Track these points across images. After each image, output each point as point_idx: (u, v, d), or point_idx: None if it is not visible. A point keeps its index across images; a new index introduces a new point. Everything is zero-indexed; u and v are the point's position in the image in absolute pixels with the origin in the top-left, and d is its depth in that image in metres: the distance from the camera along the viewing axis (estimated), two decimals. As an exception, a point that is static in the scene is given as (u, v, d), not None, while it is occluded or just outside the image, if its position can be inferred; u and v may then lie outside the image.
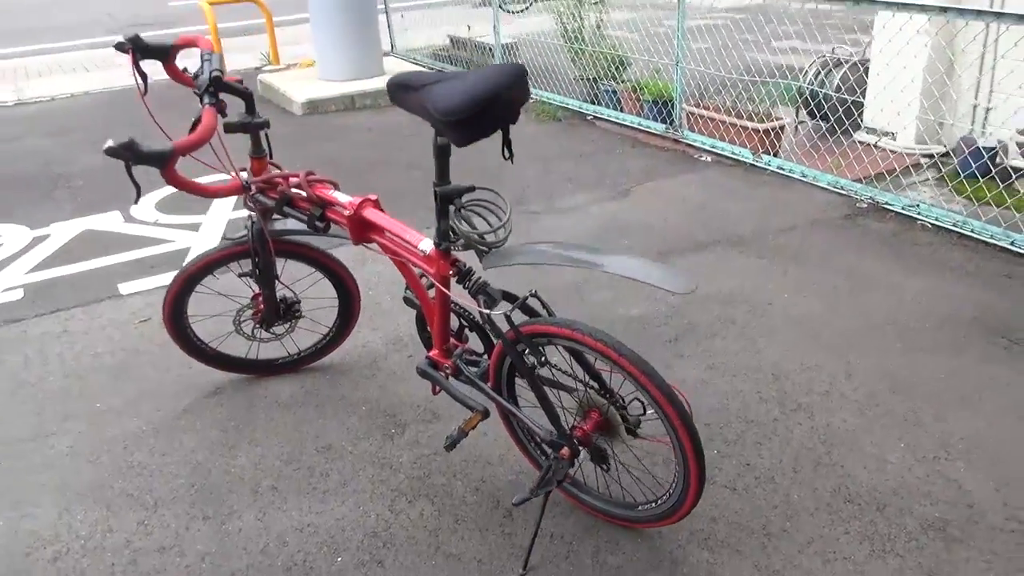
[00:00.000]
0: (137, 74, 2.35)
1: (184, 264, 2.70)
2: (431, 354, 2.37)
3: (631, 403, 2.06)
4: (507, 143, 1.98)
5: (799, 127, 5.45)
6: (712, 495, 2.31)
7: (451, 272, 2.12)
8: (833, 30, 6.54)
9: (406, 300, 2.46)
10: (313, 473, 2.50)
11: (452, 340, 2.37)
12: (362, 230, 2.28)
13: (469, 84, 1.84)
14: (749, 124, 4.96)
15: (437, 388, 2.39)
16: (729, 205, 4.36)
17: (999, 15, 3.64)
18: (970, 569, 2.04)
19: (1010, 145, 4.35)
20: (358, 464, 2.53)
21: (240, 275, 2.71)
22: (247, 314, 2.81)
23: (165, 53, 2.44)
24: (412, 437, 2.63)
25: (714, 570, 2.07)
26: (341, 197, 2.32)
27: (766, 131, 4.91)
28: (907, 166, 4.59)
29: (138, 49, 2.37)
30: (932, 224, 3.96)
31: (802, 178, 4.63)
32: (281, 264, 2.71)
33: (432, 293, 2.27)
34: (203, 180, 2.16)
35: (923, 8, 3.95)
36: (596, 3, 6.58)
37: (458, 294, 2.18)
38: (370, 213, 2.27)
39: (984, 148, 4.25)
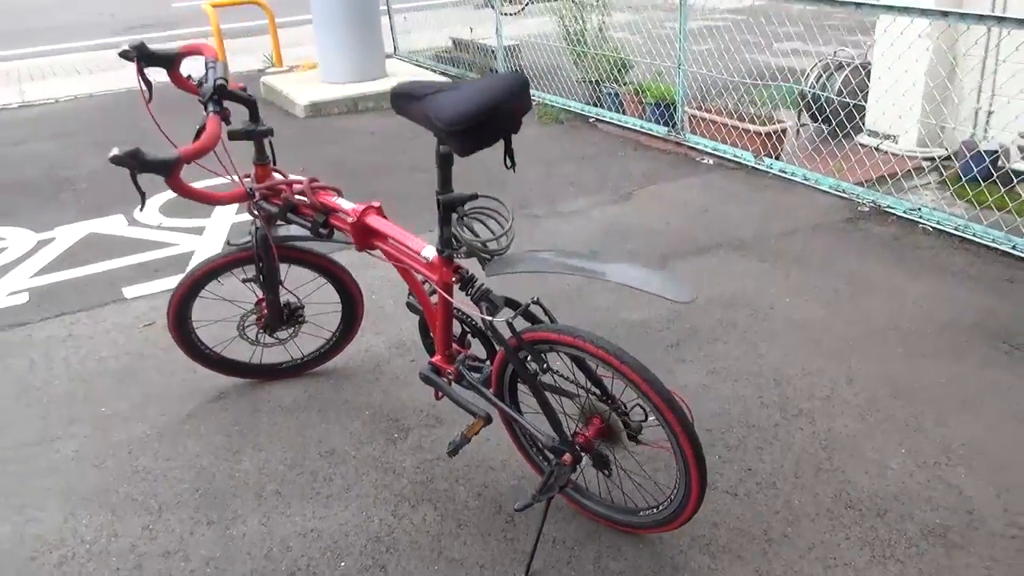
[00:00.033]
0: (142, 82, 2.36)
1: (188, 270, 2.72)
2: (434, 360, 2.39)
3: (633, 409, 2.08)
4: (509, 152, 2.00)
5: (801, 130, 5.46)
6: (713, 500, 2.32)
7: (454, 279, 2.14)
8: (835, 31, 6.55)
9: (409, 306, 2.48)
10: (316, 478, 2.51)
11: (455, 346, 2.38)
12: (365, 237, 2.30)
13: (471, 94, 1.86)
14: (751, 127, 4.97)
15: (440, 394, 2.40)
16: (731, 208, 4.37)
17: (1000, 19, 3.65)
18: (970, 575, 2.05)
19: (1012, 149, 4.36)
20: (361, 469, 2.54)
21: (244, 281, 2.72)
22: (251, 319, 2.83)
23: (170, 61, 2.45)
24: (415, 442, 2.65)
25: (715, 576, 2.09)
26: (344, 204, 2.34)
27: (768, 134, 4.92)
28: (909, 169, 4.60)
29: (143, 57, 2.38)
30: (934, 228, 3.97)
31: (804, 181, 4.64)
32: (285, 269, 2.73)
33: (435, 299, 2.29)
34: (200, 184, 2.16)
35: (924, 12, 3.95)
36: (597, 5, 6.58)
37: (460, 301, 2.19)
38: (373, 220, 2.28)
39: (986, 152, 4.26)
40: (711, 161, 5.12)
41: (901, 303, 3.33)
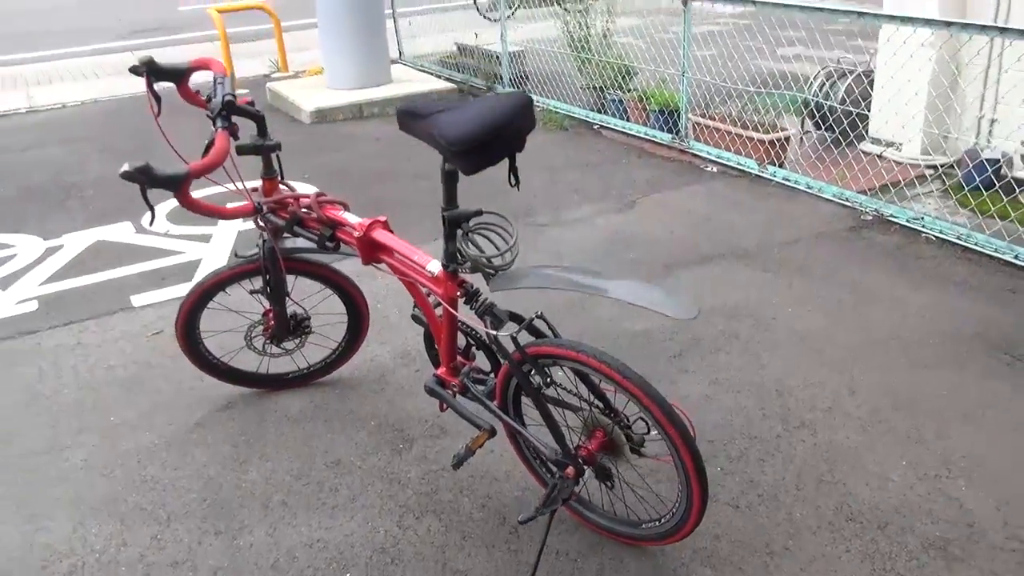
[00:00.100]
0: (151, 96, 2.39)
1: (197, 281, 2.75)
2: (438, 372, 2.42)
3: (635, 423, 2.10)
4: (513, 171, 2.02)
5: (804, 138, 5.47)
6: (715, 513, 2.34)
7: (458, 293, 2.17)
8: (838, 36, 6.56)
9: (414, 318, 2.51)
10: (322, 488, 2.54)
11: (459, 358, 2.41)
12: (371, 251, 2.33)
13: (476, 113, 1.89)
14: (755, 135, 4.99)
15: (445, 406, 2.43)
16: (734, 217, 4.39)
17: (1003, 30, 3.66)
18: (970, 588, 2.07)
19: (1015, 158, 4.38)
20: (367, 479, 2.57)
21: (252, 292, 2.76)
22: (258, 330, 2.86)
23: (179, 75, 2.48)
24: (420, 452, 2.68)
25: (717, 588, 2.11)
26: (351, 218, 2.37)
27: (771, 142, 4.94)
28: (912, 178, 4.61)
29: (152, 72, 2.41)
30: (936, 237, 3.98)
31: (807, 190, 4.66)
32: (291, 281, 2.76)
33: (440, 312, 2.31)
34: (200, 194, 2.19)
35: (927, 22, 3.97)
36: (602, 11, 6.60)
37: (465, 315, 2.22)
38: (379, 234, 2.31)
39: (988, 160, 4.27)
40: (715, 169, 5.14)
41: (903, 313, 3.35)
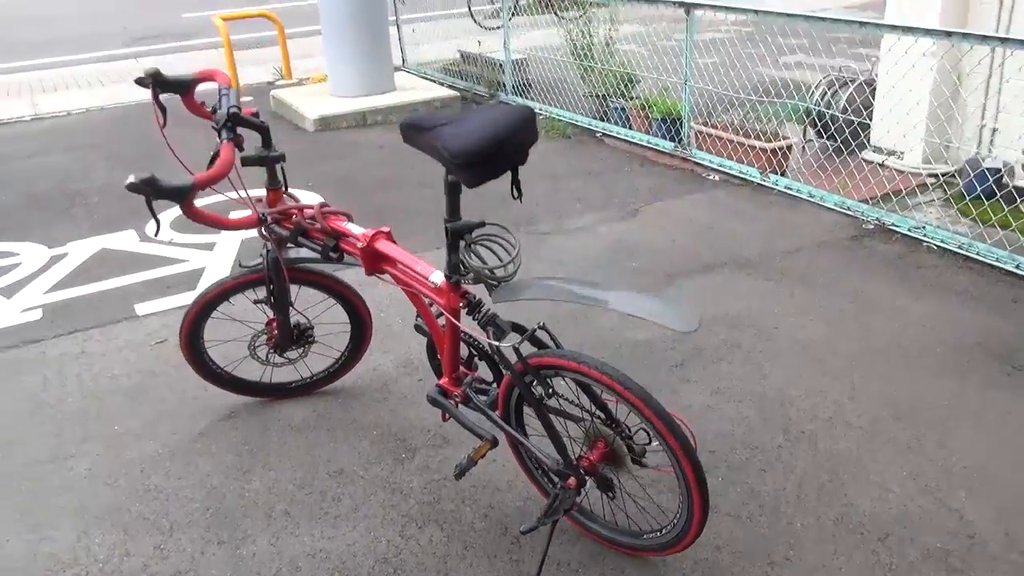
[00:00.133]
0: (157, 108, 2.41)
1: (201, 291, 2.76)
2: (441, 382, 2.43)
3: (636, 433, 2.11)
4: (516, 183, 2.04)
5: (806, 146, 5.49)
6: (716, 523, 2.35)
7: (461, 304, 2.18)
8: (840, 44, 6.58)
9: (417, 328, 2.52)
10: (325, 498, 2.55)
11: (462, 368, 2.42)
12: (375, 262, 2.34)
13: (479, 127, 1.90)
14: (757, 143, 5.00)
15: (447, 415, 2.44)
16: (736, 226, 4.40)
17: (1004, 40, 3.68)
18: (970, 600, 2.07)
19: (1016, 167, 4.38)
20: (369, 489, 2.58)
21: (255, 302, 2.77)
22: (262, 339, 2.87)
23: (184, 87, 2.50)
24: (422, 462, 2.69)
25: (718, 599, 2.11)
26: (355, 229, 2.39)
27: (774, 151, 4.95)
28: (913, 187, 4.62)
29: (158, 84, 2.43)
30: (938, 246, 3.99)
31: (809, 198, 4.67)
32: (295, 291, 2.77)
33: (442, 322, 2.33)
34: (201, 203, 2.21)
35: (928, 32, 3.99)
36: (605, 19, 6.63)
37: (468, 325, 2.23)
38: (383, 245, 2.33)
39: (989, 170, 4.28)
40: (717, 177, 5.15)
41: (904, 323, 3.36)
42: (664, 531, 2.15)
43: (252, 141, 2.41)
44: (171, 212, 4.84)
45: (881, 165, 4.89)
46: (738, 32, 8.84)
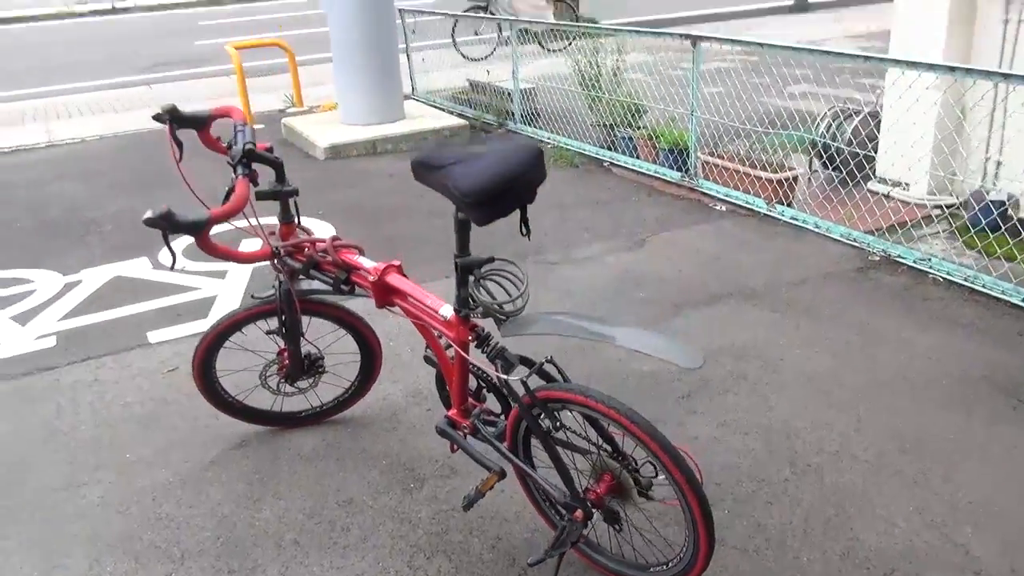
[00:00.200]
0: (173, 143, 2.47)
1: (214, 322, 2.81)
2: (450, 413, 2.46)
3: (643, 466, 2.13)
4: (525, 221, 2.08)
5: (812, 178, 5.53)
6: (723, 557, 2.36)
7: (470, 337, 2.22)
8: (845, 75, 6.65)
9: (426, 359, 2.55)
10: (334, 527, 2.57)
11: (470, 400, 2.45)
12: (385, 295, 2.38)
13: (489, 166, 1.95)
14: (763, 174, 5.04)
15: (455, 446, 2.47)
16: (743, 256, 4.43)
17: (1007, 76, 3.72)
18: (976, 636, 2.08)
19: (1021, 200, 4.41)
20: (378, 519, 2.60)
21: (267, 332, 2.81)
22: (273, 369, 2.91)
23: (200, 123, 2.56)
24: (431, 492, 2.71)
25: (724, 633, 2.12)
26: (366, 262, 2.43)
27: (780, 181, 4.99)
28: (919, 219, 4.65)
29: (175, 120, 2.49)
30: (944, 279, 4.01)
31: (815, 229, 4.70)
32: (306, 321, 2.81)
33: (451, 355, 2.36)
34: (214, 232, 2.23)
35: (931, 67, 4.04)
36: (612, 49, 6.71)
37: (476, 358, 2.27)
38: (393, 279, 2.37)
39: (994, 202, 4.31)
40: (724, 207, 5.19)
41: (910, 356, 3.38)
42: (671, 564, 2.16)
43: (265, 175, 2.47)
44: (184, 240, 4.90)
45: (886, 196, 4.93)
46: (744, 62, 8.92)
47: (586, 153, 6.48)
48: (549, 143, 6.84)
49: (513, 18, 8.78)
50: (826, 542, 2.41)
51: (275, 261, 2.57)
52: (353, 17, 7.00)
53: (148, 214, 1.98)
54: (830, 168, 5.32)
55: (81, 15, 20.06)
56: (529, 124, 7.27)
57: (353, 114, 7.32)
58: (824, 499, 2.59)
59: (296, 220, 2.63)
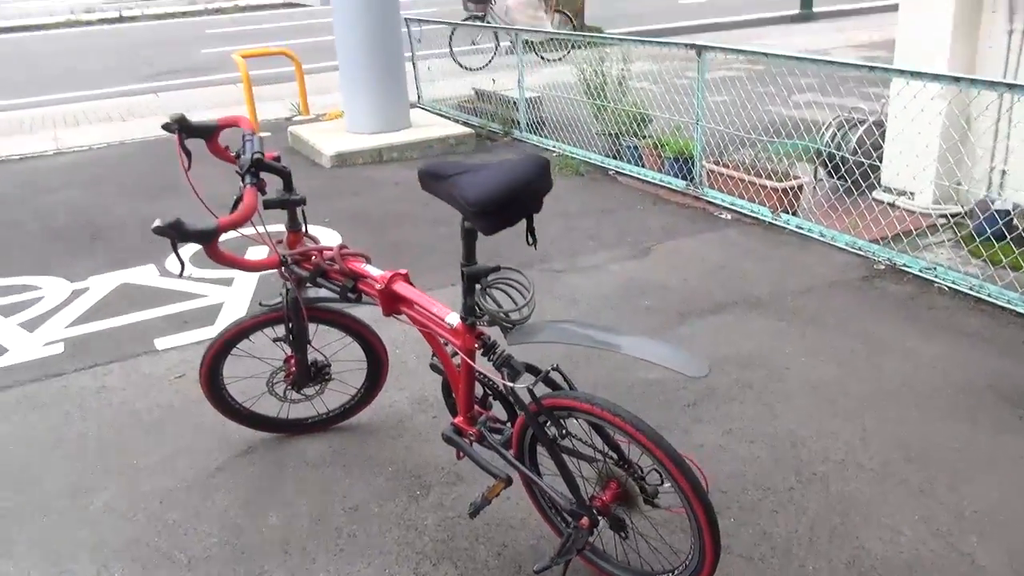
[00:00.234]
0: (182, 152, 2.49)
1: (221, 329, 2.82)
2: (456, 421, 2.47)
3: (649, 474, 2.14)
4: (531, 231, 2.10)
5: (817, 186, 5.53)
6: (728, 565, 2.37)
7: (476, 345, 2.23)
8: (849, 84, 6.66)
9: (433, 367, 2.57)
10: (341, 534, 2.58)
11: (476, 408, 2.46)
12: (392, 303, 2.40)
13: (495, 176, 1.97)
14: (768, 183, 5.06)
15: (461, 454, 2.48)
16: (748, 265, 4.44)
17: (1011, 86, 3.74)
18: (982, 646, 2.08)
19: (1026, 209, 4.41)
20: (384, 525, 2.61)
21: (274, 340, 2.83)
22: (280, 376, 2.93)
23: (209, 132, 2.58)
24: (436, 499, 2.72)
25: (729, 641, 2.13)
26: (373, 271, 2.45)
27: (785, 190, 5.00)
28: (924, 228, 4.66)
29: (184, 129, 2.52)
30: (949, 288, 4.02)
31: (820, 238, 4.71)
32: (313, 329, 2.83)
33: (457, 362, 2.37)
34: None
35: (936, 77, 4.05)
36: (618, 58, 6.73)
37: (482, 365, 2.28)
38: (400, 287, 2.38)
39: (999, 212, 4.31)
40: (729, 216, 5.20)
41: (916, 364, 3.38)
42: (676, 572, 2.17)
43: (273, 183, 2.49)
44: (191, 247, 4.92)
45: (892, 205, 4.94)
46: (749, 71, 8.94)
47: (591, 162, 6.50)
48: (554, 152, 6.87)
49: (517, 27, 8.81)
50: (832, 551, 2.41)
51: (282, 269, 2.58)
52: (359, 26, 7.03)
53: (157, 223, 1.99)
54: (835, 177, 5.33)
55: (88, 24, 20.18)
56: (534, 133, 7.30)
57: (359, 122, 7.35)
58: (830, 508, 2.59)
59: (303, 228, 2.64)
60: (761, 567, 2.36)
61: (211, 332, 3.89)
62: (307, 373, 2.91)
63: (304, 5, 21.80)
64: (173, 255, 2.05)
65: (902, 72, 4.23)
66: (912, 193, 4.96)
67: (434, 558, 2.46)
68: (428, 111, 8.50)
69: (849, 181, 5.05)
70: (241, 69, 7.95)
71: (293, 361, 2.88)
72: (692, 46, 5.37)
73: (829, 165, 5.28)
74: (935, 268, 4.13)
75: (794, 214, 5.00)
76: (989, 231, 4.23)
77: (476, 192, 1.95)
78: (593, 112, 6.80)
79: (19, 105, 10.39)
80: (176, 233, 2.00)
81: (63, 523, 2.69)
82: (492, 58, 10.88)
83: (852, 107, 5.46)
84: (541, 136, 7.21)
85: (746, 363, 3.45)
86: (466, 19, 12.02)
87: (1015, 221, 4.32)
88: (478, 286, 2.15)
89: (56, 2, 25.23)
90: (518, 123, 7.43)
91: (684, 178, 5.67)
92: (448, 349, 2.41)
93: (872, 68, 4.35)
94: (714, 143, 5.69)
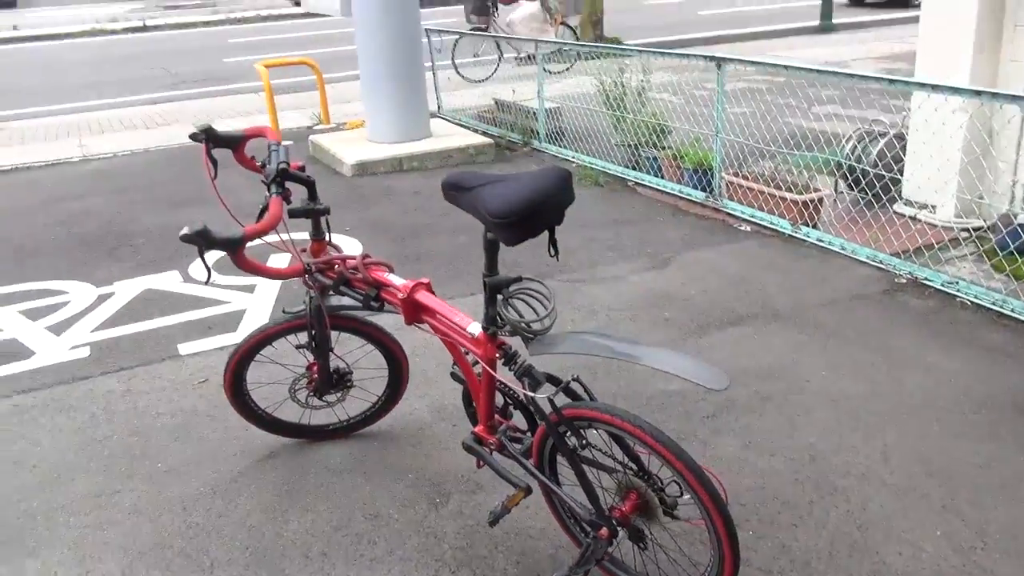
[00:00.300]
0: (208, 162, 2.53)
1: (246, 336, 2.86)
2: (476, 430, 2.49)
3: (668, 485, 2.15)
4: (553, 243, 2.12)
5: (837, 199, 5.52)
6: (747, 577, 2.37)
7: (498, 355, 2.25)
8: (870, 96, 6.64)
9: (453, 376, 2.59)
10: (361, 540, 2.61)
11: (497, 417, 2.48)
12: (414, 312, 2.43)
13: (518, 189, 1.99)
14: (788, 195, 5.05)
15: (481, 462, 2.49)
16: (768, 277, 4.44)
17: (1034, 100, 3.72)
18: (1003, 663, 2.07)
19: (1050, 223, 4.38)
20: (404, 532, 2.63)
21: (297, 347, 2.86)
22: (302, 383, 2.96)
23: (235, 142, 2.63)
24: (456, 507, 2.74)
25: (748, 654, 2.13)
26: (395, 280, 2.48)
27: (805, 203, 4.99)
28: (946, 241, 4.64)
29: (211, 139, 2.56)
30: (971, 302, 4.00)
31: (841, 251, 4.70)
32: (335, 336, 2.86)
33: (479, 371, 2.39)
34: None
35: (957, 90, 4.04)
36: (637, 70, 6.75)
37: (503, 375, 2.30)
38: (422, 296, 2.41)
39: (1022, 226, 4.28)
40: (748, 228, 5.20)
41: (937, 379, 3.37)
42: (695, 584, 2.18)
43: (298, 193, 2.52)
44: (214, 253, 4.97)
45: (913, 219, 4.92)
46: (769, 82, 8.93)
47: (610, 172, 6.52)
48: (574, 162, 6.89)
49: (531, 39, 8.85)
50: (852, 565, 2.41)
51: (306, 277, 2.62)
52: (380, 36, 7.10)
53: (185, 230, 2.03)
54: (856, 190, 5.32)
55: (113, 32, 20.44)
56: (554, 143, 7.32)
57: (380, 132, 7.41)
58: (850, 522, 2.58)
59: (327, 238, 2.68)
60: (780, 580, 2.36)
61: (234, 338, 3.94)
62: (329, 380, 2.94)
63: (325, 15, 22.00)
64: (199, 262, 2.09)
65: (923, 85, 4.22)
66: (934, 206, 4.94)
67: (453, 566, 2.48)
68: (448, 121, 8.55)
69: (870, 194, 5.04)
70: (263, 79, 8.04)
71: (315, 368, 2.91)
72: (711, 58, 5.39)
73: (850, 178, 5.27)
74: (957, 282, 4.11)
75: (814, 227, 4.99)
76: (1012, 245, 4.21)
77: (499, 204, 1.98)
78: (612, 123, 6.82)
79: (46, 112, 10.56)
80: (203, 241, 2.04)
81: (89, 524, 2.73)
82: (495, 70, 10.90)
83: (873, 119, 5.45)
84: (560, 146, 7.24)
85: (766, 376, 3.45)
86: (471, 29, 12.10)
87: (1038, 235, 4.29)
88: (500, 296, 2.17)
89: (82, 10, 25.60)
90: (537, 133, 7.46)
91: (703, 190, 5.67)
92: (469, 358, 2.44)
93: (892, 81, 4.34)
94: (734, 155, 5.70)
